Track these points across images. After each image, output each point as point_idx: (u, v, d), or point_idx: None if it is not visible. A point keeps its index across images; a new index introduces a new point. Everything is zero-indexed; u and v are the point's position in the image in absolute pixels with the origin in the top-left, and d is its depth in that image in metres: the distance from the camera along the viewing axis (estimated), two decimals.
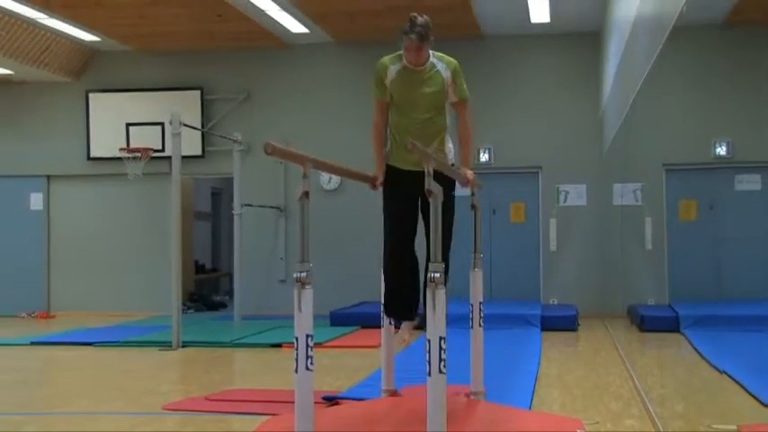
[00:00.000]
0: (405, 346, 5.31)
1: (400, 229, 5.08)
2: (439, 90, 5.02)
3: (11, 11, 10.93)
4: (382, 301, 5.24)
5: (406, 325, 5.23)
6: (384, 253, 5.13)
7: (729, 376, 6.74)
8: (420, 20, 4.84)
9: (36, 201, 13.91)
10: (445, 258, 4.57)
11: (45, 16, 11.22)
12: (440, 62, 5.03)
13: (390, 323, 5.41)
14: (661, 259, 12.05)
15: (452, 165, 5.16)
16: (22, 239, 13.80)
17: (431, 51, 5.02)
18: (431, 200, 3.80)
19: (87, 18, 11.34)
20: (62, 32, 12.18)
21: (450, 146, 5.20)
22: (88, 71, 13.65)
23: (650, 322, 10.39)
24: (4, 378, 7.73)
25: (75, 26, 11.81)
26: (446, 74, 5.01)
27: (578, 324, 10.90)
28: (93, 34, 12.29)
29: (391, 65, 5.03)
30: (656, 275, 11.94)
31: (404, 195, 5.04)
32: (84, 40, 12.75)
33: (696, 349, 8.56)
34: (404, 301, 5.16)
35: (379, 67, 5.06)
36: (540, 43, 12.65)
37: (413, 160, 4.71)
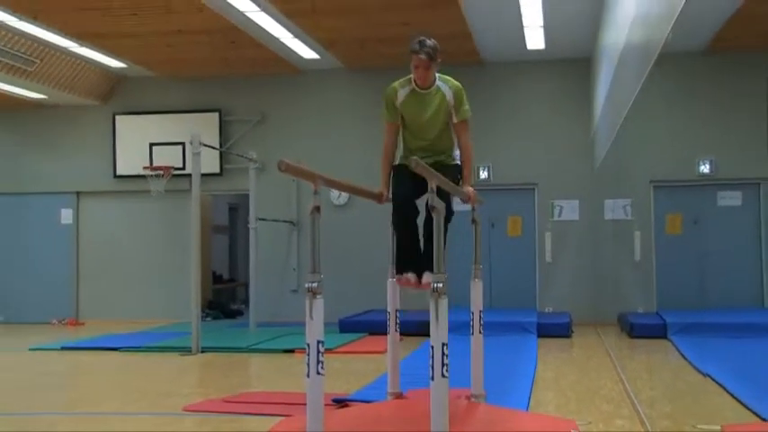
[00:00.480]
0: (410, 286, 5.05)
1: (403, 202, 5.01)
2: (444, 111, 5.07)
3: (45, 40, 11.00)
4: (395, 264, 5.12)
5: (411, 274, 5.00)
6: (393, 224, 5.12)
7: (713, 379, 6.71)
8: (429, 42, 4.92)
9: (66, 215, 13.94)
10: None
11: (76, 45, 11.29)
12: (444, 84, 5.08)
13: (396, 330, 5.40)
14: (649, 270, 12.02)
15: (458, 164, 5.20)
16: (53, 252, 13.83)
17: (437, 75, 5.06)
18: (434, 215, 3.81)
19: (115, 46, 11.41)
20: (92, 60, 12.24)
21: (457, 153, 5.22)
22: (115, 95, 13.71)
23: (639, 329, 10.35)
24: (38, 380, 7.74)
25: (104, 54, 11.88)
26: (449, 95, 5.05)
27: (572, 331, 10.87)
28: (121, 61, 12.36)
29: (401, 88, 5.10)
30: (645, 285, 11.91)
31: (409, 184, 4.93)
32: (111, 67, 12.81)
33: (682, 354, 8.53)
34: (413, 255, 4.99)
35: (389, 90, 5.12)
36: (535, 69, 12.67)
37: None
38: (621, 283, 11.69)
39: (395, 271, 5.14)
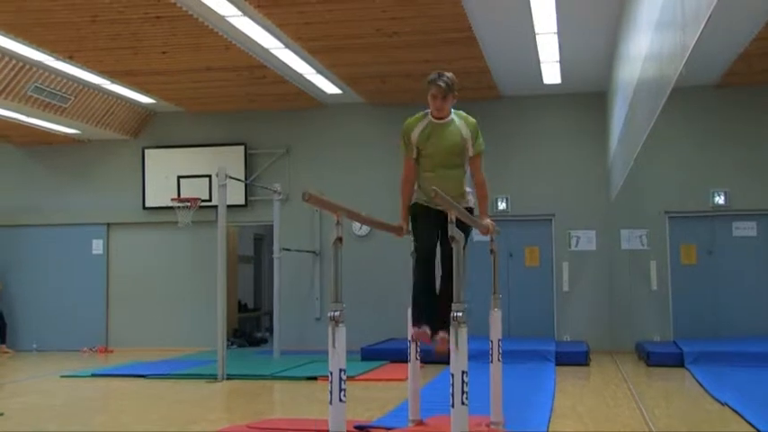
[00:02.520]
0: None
1: (428, 252, 4.99)
2: (458, 142, 5.05)
3: (80, 78, 11.18)
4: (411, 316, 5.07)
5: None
6: (414, 271, 5.06)
7: (730, 408, 6.63)
8: (447, 74, 4.97)
9: (97, 246, 14.04)
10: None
11: (109, 82, 11.46)
12: (459, 119, 5.09)
13: (417, 358, 5.39)
14: (665, 299, 11.92)
15: (471, 207, 5.17)
16: (84, 281, 13.92)
17: (452, 110, 5.07)
18: (453, 245, 3.81)
19: (146, 83, 11.57)
20: (123, 96, 12.41)
21: (468, 189, 5.18)
22: (145, 130, 13.87)
23: (656, 358, 10.24)
24: (69, 406, 7.77)
25: (134, 91, 12.04)
26: (465, 131, 5.05)
27: (590, 359, 10.75)
28: (150, 97, 12.52)
29: (417, 123, 5.10)
30: (661, 314, 11.80)
31: (430, 225, 4.99)
32: (141, 103, 12.98)
33: (699, 383, 8.43)
34: (429, 302, 4.95)
35: (405, 127, 5.12)
36: (552, 103, 12.70)
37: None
38: (638, 312, 11.61)
39: (411, 321, 5.07)
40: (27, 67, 10.48)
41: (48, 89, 11.09)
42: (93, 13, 8.51)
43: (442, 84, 4.92)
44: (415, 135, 5.07)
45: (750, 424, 5.90)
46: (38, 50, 9.80)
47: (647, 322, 11.73)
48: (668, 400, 8.15)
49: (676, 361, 10.03)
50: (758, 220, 11.92)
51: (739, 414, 6.32)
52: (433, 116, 5.07)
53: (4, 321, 13.59)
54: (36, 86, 10.88)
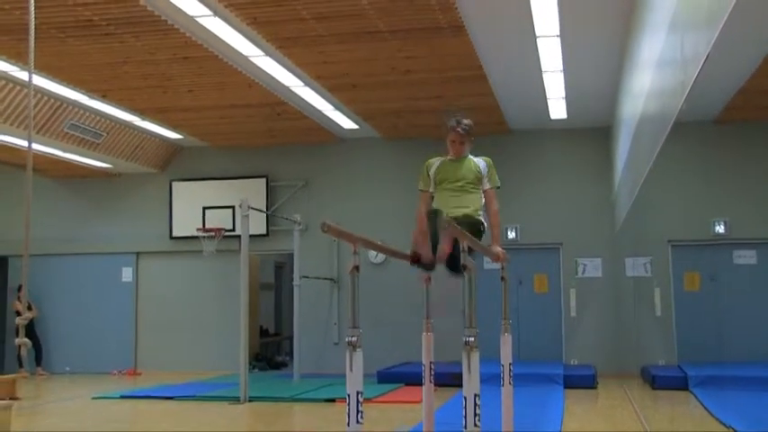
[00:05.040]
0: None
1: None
2: (474, 171, 5.13)
3: (112, 116, 11.31)
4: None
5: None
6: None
7: (734, 430, 6.53)
8: (465, 120, 5.12)
9: (127, 274, 14.10)
10: None
11: (139, 119, 11.58)
12: (477, 157, 5.23)
13: (431, 381, 5.35)
14: (669, 325, 11.80)
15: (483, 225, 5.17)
16: (114, 307, 13.96)
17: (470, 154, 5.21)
18: (465, 273, 3.80)
19: (174, 120, 11.68)
20: (152, 132, 12.53)
21: (481, 212, 5.14)
22: (172, 164, 13.97)
23: (661, 381, 10.13)
24: (100, 426, 7.77)
25: (163, 127, 12.16)
26: (482, 165, 5.18)
27: (597, 382, 10.65)
28: (178, 133, 12.62)
29: (435, 160, 5.23)
30: (666, 339, 11.68)
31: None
32: (169, 138, 13.09)
33: (704, 406, 8.32)
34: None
35: (425, 165, 5.26)
36: (559, 137, 12.70)
37: (453, 213, 4.80)
38: (643, 337, 11.50)
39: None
40: (64, 105, 10.61)
41: (83, 126, 11.22)
42: (126, 55, 8.63)
43: (461, 130, 5.07)
44: (433, 169, 5.19)
45: None
46: (74, 90, 9.94)
47: (652, 347, 11.61)
48: (673, 423, 8.04)
49: (681, 384, 9.92)
50: (758, 248, 11.82)
51: None
52: (449, 158, 5.19)
53: (39, 345, 13.63)
54: (72, 124, 11.01)
